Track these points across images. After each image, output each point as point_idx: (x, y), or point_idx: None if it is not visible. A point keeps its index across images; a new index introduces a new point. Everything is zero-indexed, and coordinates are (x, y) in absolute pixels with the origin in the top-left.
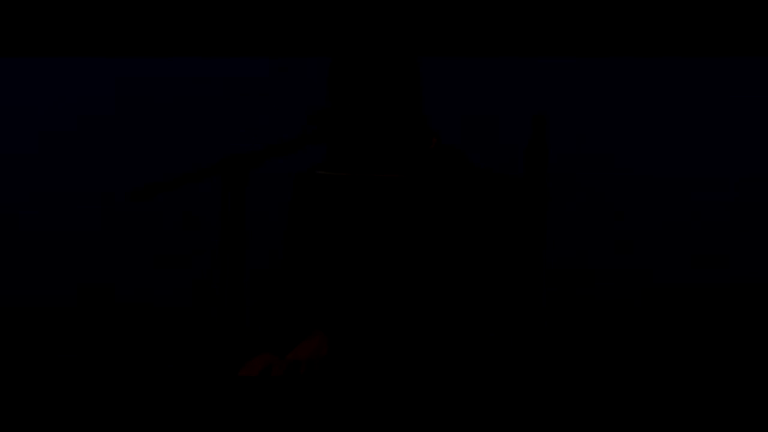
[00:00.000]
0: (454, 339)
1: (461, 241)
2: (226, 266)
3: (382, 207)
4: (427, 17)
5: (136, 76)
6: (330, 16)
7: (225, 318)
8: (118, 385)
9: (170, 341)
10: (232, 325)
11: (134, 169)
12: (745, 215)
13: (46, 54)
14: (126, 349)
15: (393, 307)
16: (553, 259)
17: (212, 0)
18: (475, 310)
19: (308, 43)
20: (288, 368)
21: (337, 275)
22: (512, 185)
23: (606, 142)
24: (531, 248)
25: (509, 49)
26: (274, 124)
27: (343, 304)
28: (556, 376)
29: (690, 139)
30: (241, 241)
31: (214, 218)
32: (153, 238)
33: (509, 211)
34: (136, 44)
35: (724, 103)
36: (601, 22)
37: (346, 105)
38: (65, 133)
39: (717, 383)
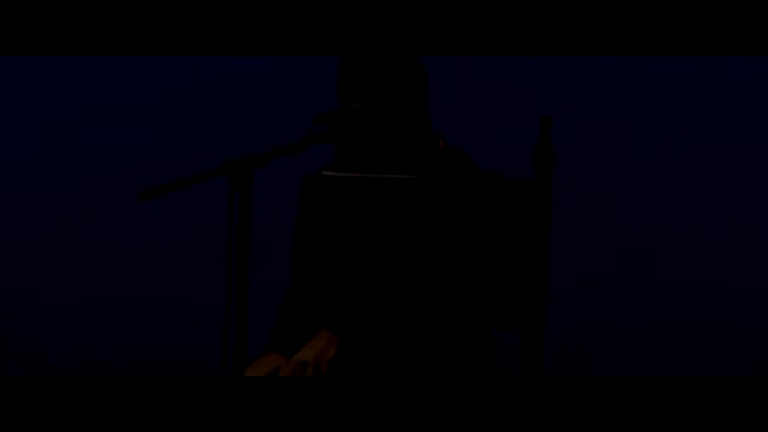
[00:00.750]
0: (458, 339)
1: (468, 242)
2: (231, 267)
3: (390, 208)
4: (436, 17)
5: (142, 75)
6: (338, 15)
7: (231, 318)
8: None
9: (174, 341)
10: (238, 325)
11: (139, 168)
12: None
13: (48, 53)
14: (127, 350)
15: (400, 307)
16: (556, 260)
17: None
18: (479, 310)
19: (316, 43)
20: (295, 369)
21: (344, 276)
22: (517, 188)
23: (611, 145)
24: (535, 250)
25: (514, 49)
26: (279, 124)
27: (350, 304)
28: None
29: (692, 140)
30: (247, 241)
31: (221, 219)
32: (159, 238)
33: (514, 213)
34: (139, 43)
35: (725, 103)
36: (605, 21)
37: (354, 105)
38: (68, 133)
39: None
